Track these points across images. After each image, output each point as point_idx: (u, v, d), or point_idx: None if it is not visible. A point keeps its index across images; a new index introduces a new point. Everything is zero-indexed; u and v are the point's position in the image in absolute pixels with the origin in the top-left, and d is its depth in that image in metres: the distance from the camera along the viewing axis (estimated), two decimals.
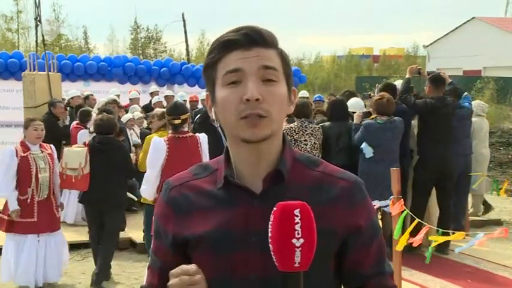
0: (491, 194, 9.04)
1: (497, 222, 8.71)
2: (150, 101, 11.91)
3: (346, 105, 7.32)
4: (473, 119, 9.04)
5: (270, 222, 1.25)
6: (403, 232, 4.80)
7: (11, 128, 12.13)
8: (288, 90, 1.44)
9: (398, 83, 7.39)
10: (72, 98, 10.65)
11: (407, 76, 7.27)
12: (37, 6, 9.84)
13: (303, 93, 12.49)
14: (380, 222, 6.31)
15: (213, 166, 1.52)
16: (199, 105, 11.64)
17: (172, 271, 1.34)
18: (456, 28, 44.46)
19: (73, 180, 5.95)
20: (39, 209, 5.67)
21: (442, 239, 4.51)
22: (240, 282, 1.40)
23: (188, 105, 11.82)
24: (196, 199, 1.47)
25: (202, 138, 5.55)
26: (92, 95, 11.62)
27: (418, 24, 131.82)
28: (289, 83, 1.44)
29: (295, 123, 6.74)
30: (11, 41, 43.79)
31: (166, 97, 11.97)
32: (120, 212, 6.46)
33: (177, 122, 5.44)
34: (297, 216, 1.24)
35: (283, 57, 1.44)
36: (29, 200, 5.64)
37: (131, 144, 8.80)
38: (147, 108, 11.22)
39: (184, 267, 1.34)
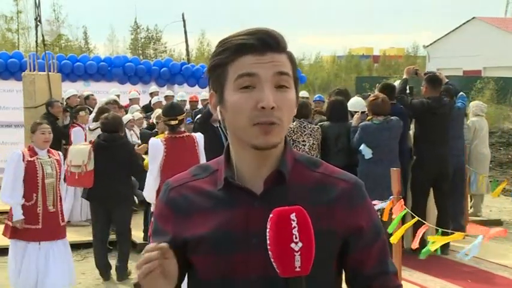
0: (491, 194, 9.03)
1: (497, 222, 8.70)
2: (150, 101, 11.90)
3: (346, 105, 7.32)
4: (473, 118, 9.07)
5: (267, 230, 1.25)
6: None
7: (11, 128, 12.12)
8: (296, 94, 1.44)
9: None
10: (68, 98, 10.63)
11: (404, 76, 7.32)
12: (37, 6, 9.84)
13: (303, 93, 12.50)
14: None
15: (213, 167, 1.52)
16: (199, 105, 11.64)
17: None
18: (456, 28, 44.48)
19: (76, 177, 6.00)
20: (44, 216, 5.48)
21: (441, 239, 4.51)
22: (241, 282, 1.40)
23: (188, 106, 11.84)
24: (196, 200, 1.47)
25: (199, 137, 5.59)
26: (92, 95, 11.62)
27: (418, 24, 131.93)
28: (296, 86, 1.44)
29: (294, 123, 6.74)
30: (11, 41, 43.78)
31: (166, 97, 11.97)
32: (127, 208, 6.47)
33: (174, 122, 5.47)
34: (294, 220, 1.24)
35: (293, 61, 1.44)
36: (37, 208, 5.43)
37: None
38: (147, 109, 11.22)
39: (148, 245, 1.35)
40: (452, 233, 4.67)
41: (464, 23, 43.93)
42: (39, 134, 5.47)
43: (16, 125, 11.50)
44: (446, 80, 7.55)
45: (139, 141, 8.70)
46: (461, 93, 8.01)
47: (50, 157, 5.54)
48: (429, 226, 5.06)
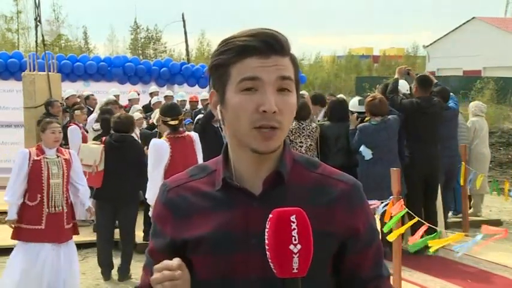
0: (491, 194, 9.03)
1: (497, 223, 8.70)
2: (150, 101, 11.90)
3: (346, 105, 7.32)
4: (473, 119, 9.08)
5: (266, 230, 1.25)
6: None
7: (11, 128, 12.13)
8: (297, 97, 1.43)
9: (400, 83, 7.40)
10: (67, 98, 10.63)
11: (395, 76, 7.35)
12: (37, 6, 9.84)
13: (303, 93, 12.49)
14: (378, 222, 6.31)
15: (211, 167, 1.51)
16: (199, 105, 11.65)
17: (156, 266, 1.35)
18: (456, 28, 44.53)
19: (87, 177, 5.93)
20: (48, 216, 5.26)
21: (441, 242, 4.51)
22: (241, 282, 1.40)
23: (188, 106, 11.84)
24: (195, 201, 1.47)
25: (196, 136, 5.65)
26: (92, 95, 11.62)
27: (418, 24, 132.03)
28: (298, 89, 1.44)
29: (293, 124, 6.74)
30: (11, 41, 43.82)
31: (166, 97, 11.97)
32: (134, 209, 6.47)
33: (175, 122, 5.49)
34: (294, 222, 1.24)
35: (295, 64, 1.43)
36: (41, 209, 5.24)
37: None
38: (147, 109, 11.21)
39: (166, 262, 1.34)
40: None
41: (464, 23, 43.98)
42: (49, 133, 5.30)
43: (16, 125, 11.51)
44: (435, 81, 7.59)
45: (139, 142, 8.70)
46: (451, 93, 8.05)
47: (58, 156, 5.35)
48: (428, 226, 5.06)
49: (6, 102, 12.14)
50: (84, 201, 5.59)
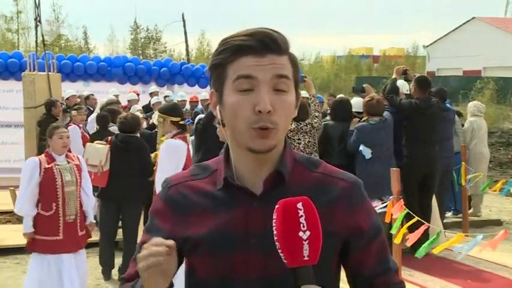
0: (484, 192, 9.00)
1: (497, 223, 8.70)
2: (150, 101, 11.90)
3: (349, 105, 7.32)
4: (471, 119, 9.10)
5: (274, 220, 1.25)
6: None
7: (11, 128, 12.13)
8: (296, 96, 1.43)
9: (400, 83, 7.40)
10: (67, 98, 10.63)
11: (393, 76, 7.35)
12: (37, 6, 9.84)
13: (303, 93, 12.50)
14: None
15: (212, 166, 1.52)
16: (199, 106, 11.65)
17: (145, 245, 1.32)
18: (456, 28, 44.52)
19: (92, 177, 5.85)
20: (65, 226, 5.04)
21: (445, 245, 4.51)
22: (241, 282, 1.40)
23: (188, 106, 11.85)
24: (196, 199, 1.47)
25: (188, 136, 5.74)
26: (92, 95, 11.63)
27: (418, 24, 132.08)
28: (297, 88, 1.44)
29: (292, 125, 6.72)
30: (11, 41, 43.82)
31: (166, 97, 11.97)
32: (139, 209, 6.48)
33: (182, 122, 5.57)
34: (301, 209, 1.24)
35: (294, 63, 1.42)
36: (57, 219, 5.02)
37: None
38: (147, 109, 11.22)
39: (155, 239, 1.32)
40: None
41: (464, 23, 43.97)
42: (57, 138, 5.04)
43: (16, 125, 11.51)
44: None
45: (145, 142, 8.71)
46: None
47: (68, 162, 5.11)
48: (428, 226, 5.07)
49: (6, 102, 12.15)
50: (87, 213, 5.35)
